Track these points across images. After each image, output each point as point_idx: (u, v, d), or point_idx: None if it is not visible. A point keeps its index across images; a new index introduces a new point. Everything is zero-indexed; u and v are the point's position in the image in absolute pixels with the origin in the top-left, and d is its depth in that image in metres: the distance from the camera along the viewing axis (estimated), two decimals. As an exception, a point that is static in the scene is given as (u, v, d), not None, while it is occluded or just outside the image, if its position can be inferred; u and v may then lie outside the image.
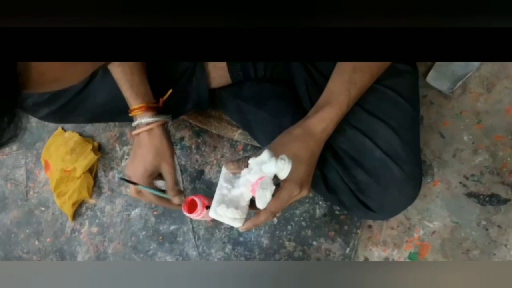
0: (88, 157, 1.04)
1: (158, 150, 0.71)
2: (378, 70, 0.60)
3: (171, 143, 0.73)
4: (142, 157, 0.71)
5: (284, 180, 0.57)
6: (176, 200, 0.71)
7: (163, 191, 0.73)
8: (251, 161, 0.56)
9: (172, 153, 0.73)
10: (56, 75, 0.31)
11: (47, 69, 0.30)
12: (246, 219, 0.60)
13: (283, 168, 0.54)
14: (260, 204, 0.55)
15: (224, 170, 0.60)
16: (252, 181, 0.56)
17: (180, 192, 0.72)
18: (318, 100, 0.61)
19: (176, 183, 0.72)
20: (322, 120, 0.59)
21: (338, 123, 0.60)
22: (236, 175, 0.59)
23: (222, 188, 0.59)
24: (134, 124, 0.72)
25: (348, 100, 0.59)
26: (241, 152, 0.95)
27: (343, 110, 0.59)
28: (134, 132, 0.73)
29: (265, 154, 0.55)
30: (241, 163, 0.57)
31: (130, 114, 0.72)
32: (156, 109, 0.73)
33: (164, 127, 0.73)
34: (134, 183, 0.71)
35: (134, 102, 0.71)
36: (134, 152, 0.73)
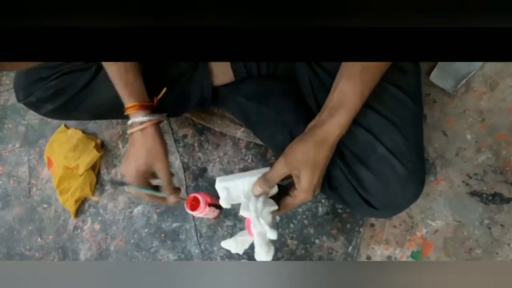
0: (91, 155, 1.05)
1: (150, 149, 0.70)
2: (386, 68, 0.60)
3: (164, 142, 0.72)
4: (134, 157, 0.70)
5: (299, 189, 0.60)
6: (171, 198, 0.71)
7: (158, 188, 0.73)
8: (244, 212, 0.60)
9: (165, 152, 0.72)
10: None
11: None
12: None
13: (263, 250, 0.59)
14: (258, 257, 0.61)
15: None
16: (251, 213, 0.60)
17: (176, 191, 0.72)
18: (328, 100, 0.60)
19: (170, 182, 0.71)
20: (339, 125, 0.58)
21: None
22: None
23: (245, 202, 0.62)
24: (129, 123, 0.71)
25: (361, 101, 0.58)
26: (243, 150, 0.95)
27: (356, 112, 0.59)
28: (128, 131, 0.72)
29: (268, 234, 0.59)
30: (266, 182, 0.60)
31: (125, 113, 0.72)
32: (151, 108, 0.72)
33: (158, 126, 0.72)
34: (124, 184, 0.73)
35: (128, 101, 0.70)
36: (128, 151, 0.73)
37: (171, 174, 0.72)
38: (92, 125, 1.12)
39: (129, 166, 0.71)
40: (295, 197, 0.61)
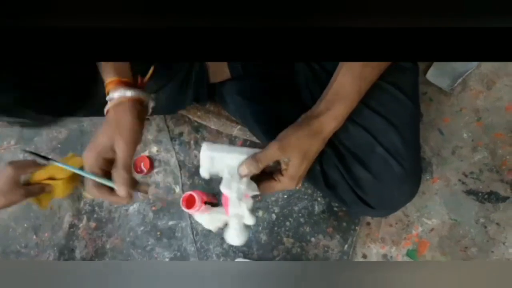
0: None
1: (117, 123, 0.58)
2: (386, 65, 0.60)
3: (139, 122, 0.60)
4: (99, 134, 0.59)
5: (285, 176, 0.59)
6: (120, 190, 0.56)
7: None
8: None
9: (135, 131, 0.59)
10: None
11: None
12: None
13: (235, 233, 0.57)
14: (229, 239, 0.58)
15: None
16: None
17: (130, 182, 0.57)
18: (326, 92, 0.60)
19: (126, 166, 0.57)
20: (335, 118, 0.58)
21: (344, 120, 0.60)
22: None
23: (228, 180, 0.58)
24: (107, 99, 0.61)
25: (359, 96, 0.58)
26: (240, 148, 0.95)
27: (353, 106, 0.59)
28: (105, 110, 0.62)
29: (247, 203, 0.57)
30: (255, 163, 0.57)
31: (106, 94, 0.62)
32: (134, 87, 0.62)
33: (136, 104, 0.61)
34: (44, 157, 0.59)
35: (107, 76, 0.61)
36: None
37: (130, 162, 0.58)
38: (87, 123, 1.11)
39: (90, 144, 0.59)
40: (279, 182, 0.60)
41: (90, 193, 0.59)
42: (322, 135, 0.59)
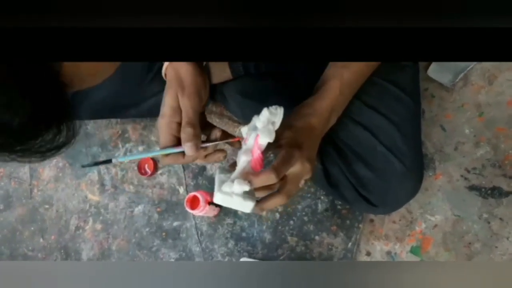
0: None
1: (177, 80, 0.55)
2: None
3: (198, 73, 0.57)
4: (164, 97, 0.56)
5: (279, 145, 0.55)
6: (186, 148, 0.53)
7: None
8: (243, 129, 0.52)
9: (196, 83, 0.56)
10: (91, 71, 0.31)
11: (82, 66, 0.31)
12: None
13: (276, 112, 0.50)
14: (267, 136, 0.49)
15: (217, 173, 0.56)
16: (251, 147, 0.51)
17: (196, 138, 0.53)
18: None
19: (189, 121, 0.53)
20: (315, 102, 0.58)
21: (334, 108, 0.59)
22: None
23: (220, 178, 0.53)
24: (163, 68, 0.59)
25: (340, 83, 0.58)
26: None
27: (336, 93, 0.58)
28: (163, 71, 0.59)
29: (254, 118, 0.51)
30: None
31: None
32: None
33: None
34: (106, 162, 0.54)
35: None
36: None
37: (194, 118, 0.54)
38: (91, 125, 1.12)
39: (161, 111, 0.56)
40: (284, 152, 0.53)
41: (164, 163, 0.59)
42: (306, 116, 0.58)
